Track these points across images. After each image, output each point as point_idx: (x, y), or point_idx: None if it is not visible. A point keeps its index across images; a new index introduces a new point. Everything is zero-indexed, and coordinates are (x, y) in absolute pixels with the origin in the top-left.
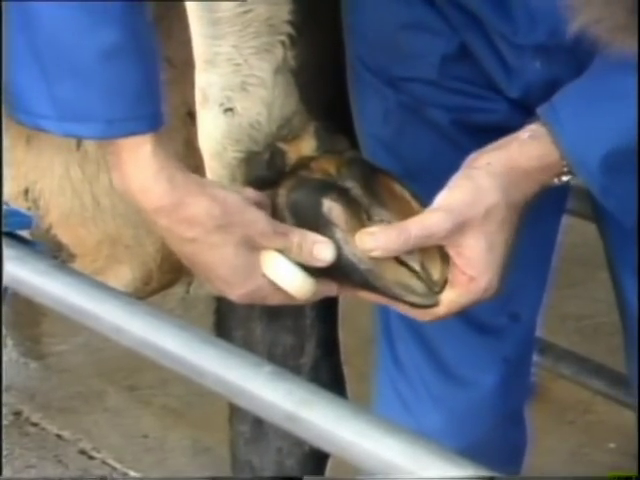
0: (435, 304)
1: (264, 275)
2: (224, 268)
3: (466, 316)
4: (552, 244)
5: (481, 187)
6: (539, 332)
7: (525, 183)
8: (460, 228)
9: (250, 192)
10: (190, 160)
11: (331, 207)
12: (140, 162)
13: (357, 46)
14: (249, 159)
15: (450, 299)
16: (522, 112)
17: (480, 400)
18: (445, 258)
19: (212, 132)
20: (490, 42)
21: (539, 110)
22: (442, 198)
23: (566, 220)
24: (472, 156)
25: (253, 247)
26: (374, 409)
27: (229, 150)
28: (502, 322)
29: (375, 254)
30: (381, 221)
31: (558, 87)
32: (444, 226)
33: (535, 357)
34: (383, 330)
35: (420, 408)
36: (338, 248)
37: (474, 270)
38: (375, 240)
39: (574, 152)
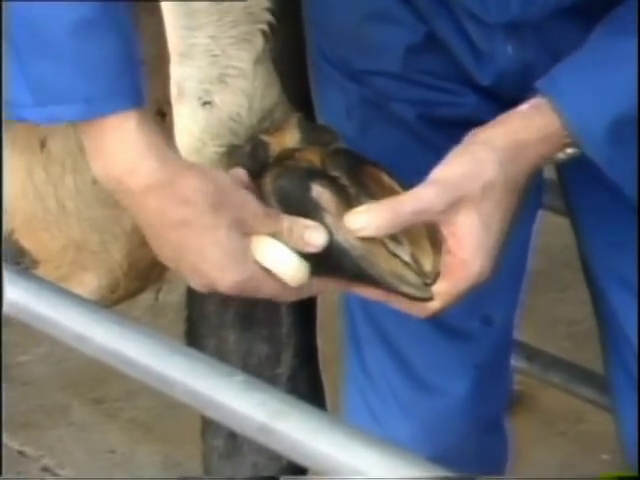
0: (430, 297)
1: (256, 262)
2: (216, 252)
3: (436, 320)
4: (527, 242)
5: (480, 160)
6: (527, 337)
7: (526, 157)
8: (456, 204)
9: (240, 173)
10: None
11: (320, 192)
12: (125, 140)
13: (318, 38)
14: (230, 153)
15: (444, 290)
16: (492, 104)
17: (451, 408)
18: (436, 248)
19: (190, 127)
20: (459, 26)
21: (538, 84)
22: (438, 171)
23: (555, 220)
24: (474, 131)
25: (244, 231)
26: (344, 419)
27: (209, 145)
28: (474, 326)
29: (366, 233)
30: None
31: (531, 76)
32: (440, 200)
33: (523, 364)
34: (350, 336)
35: (388, 417)
36: (329, 234)
37: (467, 252)
38: (366, 217)
39: (577, 121)
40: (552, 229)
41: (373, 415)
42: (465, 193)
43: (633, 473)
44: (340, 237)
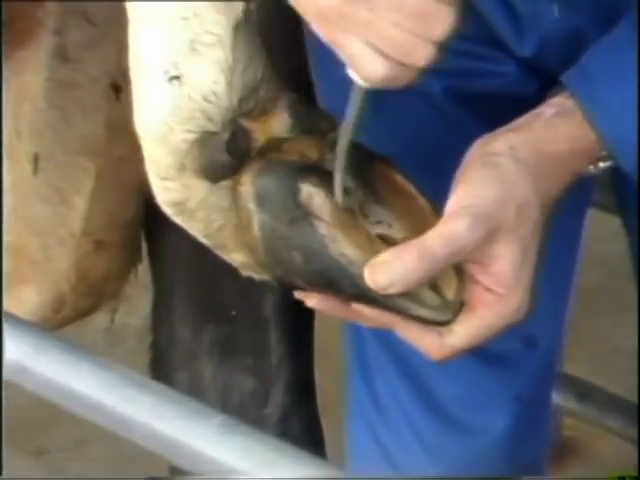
0: (449, 320)
1: None
2: None
3: None
4: (574, 250)
5: (509, 178)
6: (578, 371)
7: (555, 172)
8: (491, 235)
9: None
10: (115, 148)
11: (312, 193)
12: None
13: None
14: (203, 142)
15: (470, 327)
16: (534, 77)
17: (486, 449)
18: (460, 272)
19: (153, 109)
20: None
21: (564, 78)
22: (461, 196)
23: (615, 223)
24: (484, 140)
25: None
26: (348, 462)
27: (176, 131)
28: (515, 349)
29: (394, 290)
30: (379, 223)
31: (580, 44)
32: (474, 236)
33: (574, 404)
34: (357, 363)
35: (408, 460)
36: (322, 248)
37: (504, 286)
38: (391, 272)
39: (613, 131)
40: (610, 234)
41: (388, 458)
42: (500, 221)
43: (633, 473)
44: (335, 251)
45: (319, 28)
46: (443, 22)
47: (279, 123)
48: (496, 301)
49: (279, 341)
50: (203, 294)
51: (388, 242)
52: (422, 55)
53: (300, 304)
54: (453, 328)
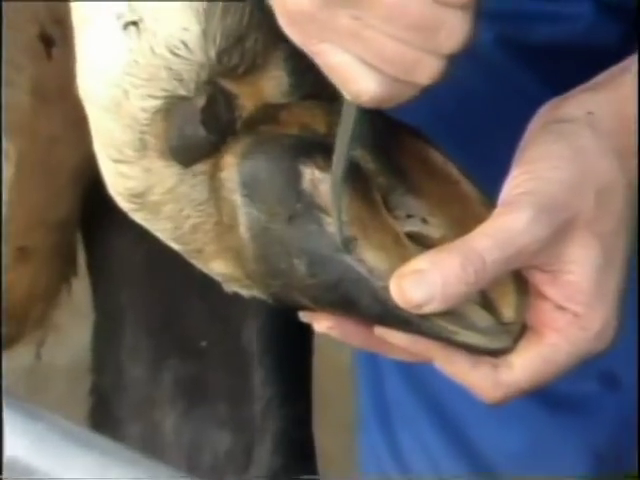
0: (508, 347)
1: None
2: None
3: None
4: None
5: (586, 154)
6: None
7: None
8: (562, 234)
9: None
10: (43, 123)
11: (318, 180)
12: None
13: None
14: (169, 111)
15: (535, 357)
16: (615, 21)
17: None
18: (520, 284)
19: (102, 67)
20: None
21: None
22: (521, 179)
23: None
24: (552, 104)
25: None
26: None
27: (134, 97)
28: (590, 389)
29: (431, 309)
30: (410, 217)
31: None
32: (539, 234)
33: None
34: (373, 403)
35: None
36: (333, 253)
37: (581, 302)
38: (427, 284)
39: None
40: None
41: None
42: (574, 214)
43: (634, 473)
44: (351, 257)
45: (291, 34)
46: (456, 32)
47: (273, 84)
48: (570, 323)
49: (264, 382)
50: (163, 320)
51: (422, 244)
52: (427, 71)
53: (293, 332)
54: (512, 360)
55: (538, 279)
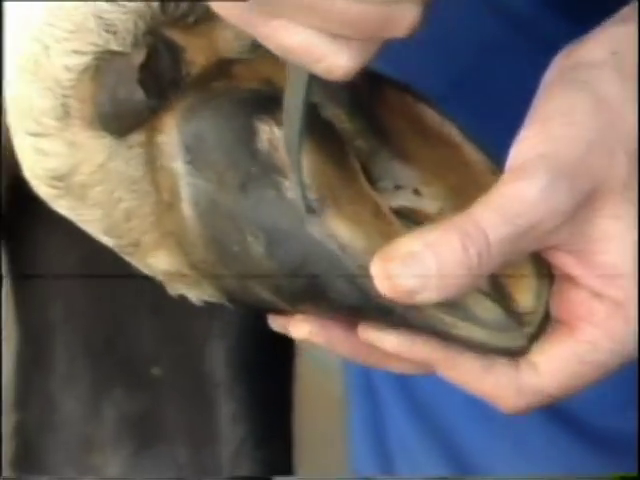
0: (522, 348)
1: None
2: None
3: (551, 411)
4: None
5: (614, 105)
6: None
7: None
8: (589, 203)
9: None
10: None
11: (275, 139)
12: None
13: None
14: (99, 70)
15: (566, 355)
16: None
17: None
18: (540, 265)
19: (19, 16)
20: None
21: None
22: (536, 138)
23: None
24: (571, 46)
25: None
26: None
27: (55, 52)
28: (622, 422)
29: (423, 298)
30: (399, 189)
31: None
32: (559, 205)
33: None
34: (366, 436)
35: None
36: (297, 226)
37: (621, 287)
38: (419, 266)
39: None
40: None
41: None
42: (604, 179)
43: (634, 474)
44: (320, 231)
45: (229, 16)
46: None
47: (230, 36)
48: (611, 314)
49: (234, 419)
50: (104, 340)
51: (416, 220)
52: (403, 24)
53: (270, 355)
54: (537, 361)
55: (564, 262)
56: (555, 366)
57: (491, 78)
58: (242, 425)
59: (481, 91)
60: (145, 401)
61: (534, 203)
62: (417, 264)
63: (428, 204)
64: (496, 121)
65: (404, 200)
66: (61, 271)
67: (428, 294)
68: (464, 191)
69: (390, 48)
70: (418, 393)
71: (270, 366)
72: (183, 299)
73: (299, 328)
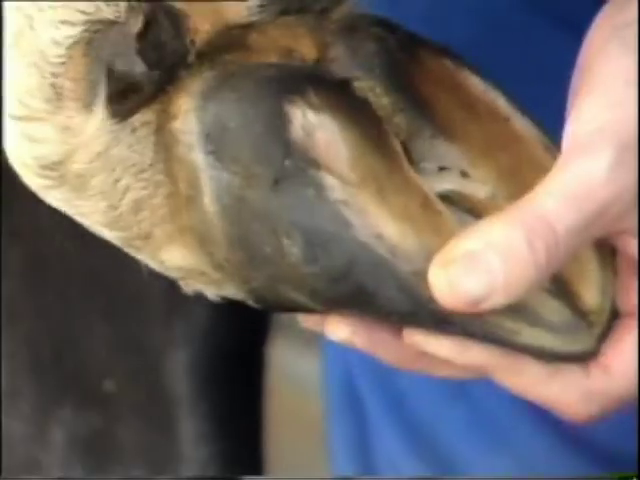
0: (593, 351)
1: None
2: None
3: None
4: None
5: None
6: None
7: None
8: None
9: None
10: None
11: (312, 125)
12: None
13: None
14: (92, 43)
15: (633, 353)
16: None
17: None
18: (605, 256)
19: None
20: None
21: None
22: (590, 111)
23: None
24: (613, 6)
25: None
26: None
27: (40, 24)
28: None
29: (490, 305)
30: (442, 170)
31: None
32: (627, 184)
33: None
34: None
35: None
36: (339, 227)
37: None
38: (482, 272)
39: None
40: None
41: None
42: None
43: (634, 474)
44: (365, 231)
45: None
46: None
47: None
48: None
49: (197, 439)
50: (51, 352)
51: (463, 207)
52: None
53: (237, 367)
54: (608, 362)
55: (632, 246)
56: (628, 366)
57: (496, 54)
58: (206, 445)
59: (485, 68)
60: (97, 419)
61: (603, 184)
62: (481, 267)
63: (477, 188)
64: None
65: (450, 183)
66: (6, 271)
67: (494, 300)
68: (517, 172)
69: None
70: (407, 406)
71: (237, 379)
72: (138, 304)
73: (338, 329)
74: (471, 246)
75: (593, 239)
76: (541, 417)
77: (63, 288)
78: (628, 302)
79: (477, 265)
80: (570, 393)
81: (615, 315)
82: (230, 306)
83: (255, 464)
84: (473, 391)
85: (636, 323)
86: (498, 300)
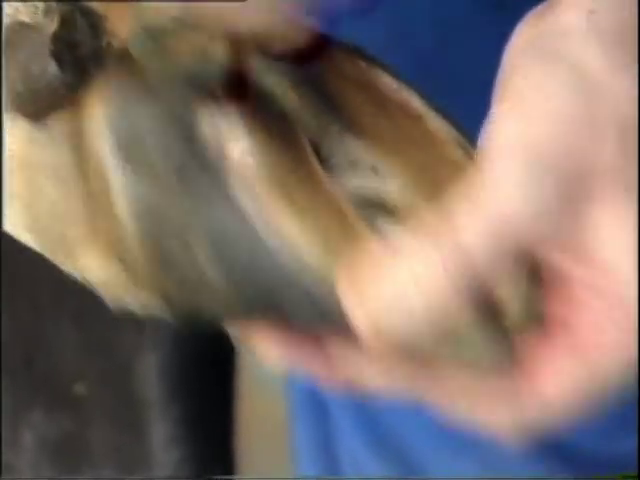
0: (516, 360)
1: None
2: None
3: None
4: None
5: (595, 76)
6: None
7: None
8: (578, 192)
9: None
10: None
11: (220, 130)
12: None
13: None
14: (10, 43)
15: (564, 364)
16: None
17: None
18: (526, 273)
19: None
20: None
21: None
22: (504, 119)
23: None
24: (539, 10)
25: None
26: None
27: None
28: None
29: (409, 326)
30: (352, 165)
31: None
32: (547, 197)
33: None
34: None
35: None
36: (248, 233)
37: (616, 281)
38: (394, 288)
39: None
40: None
41: None
42: (590, 162)
43: (633, 474)
44: (274, 239)
45: None
46: None
47: (156, 4)
48: (612, 311)
49: (168, 441)
50: (21, 356)
51: (374, 204)
52: None
53: (208, 369)
54: (535, 371)
55: (556, 260)
56: (558, 378)
57: (456, 56)
58: (178, 448)
59: (445, 71)
60: (67, 422)
61: (518, 198)
62: (403, 307)
63: (388, 183)
64: (463, 103)
65: (361, 179)
66: None
67: (415, 338)
68: (429, 168)
69: (347, 29)
70: (371, 407)
71: (208, 382)
72: (108, 308)
73: (268, 350)
74: (392, 278)
75: (514, 254)
76: None
77: (33, 292)
78: (555, 312)
79: (400, 305)
80: (497, 405)
81: (540, 326)
82: None
83: (226, 466)
84: None
85: (566, 333)
86: (419, 337)
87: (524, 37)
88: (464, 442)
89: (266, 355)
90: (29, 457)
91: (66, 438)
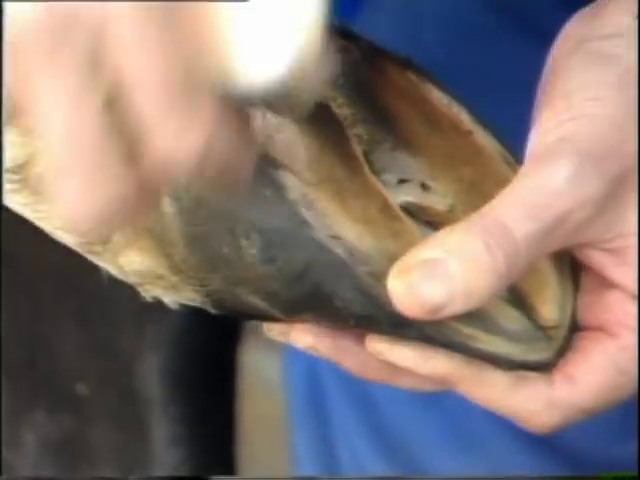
0: (550, 362)
1: None
2: None
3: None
4: None
5: (629, 83)
6: None
7: None
8: (619, 192)
9: None
10: None
11: (270, 125)
12: None
13: None
14: None
15: (608, 364)
16: None
17: None
18: (564, 268)
19: None
20: None
21: None
22: (553, 122)
23: None
24: (586, 13)
25: None
26: None
27: None
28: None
29: (451, 312)
30: (403, 182)
31: None
32: (587, 194)
33: None
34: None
35: None
36: (295, 226)
37: None
38: (443, 280)
39: None
40: None
41: None
42: (631, 161)
43: (633, 473)
44: (322, 232)
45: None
46: None
47: None
48: None
49: (169, 442)
50: (23, 355)
51: (423, 219)
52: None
53: (210, 370)
54: (573, 372)
55: (597, 260)
56: (593, 377)
57: (459, 57)
58: (178, 448)
59: (449, 71)
60: (69, 422)
61: (561, 193)
62: (440, 274)
63: (437, 200)
64: (465, 103)
65: (410, 195)
66: None
67: (453, 308)
68: (478, 185)
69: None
70: (374, 406)
71: (209, 382)
72: (109, 307)
73: (303, 336)
74: (431, 253)
75: (553, 249)
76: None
77: (34, 292)
78: (593, 317)
79: (437, 272)
80: (533, 403)
81: (575, 329)
82: (201, 310)
83: (227, 466)
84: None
85: (604, 336)
86: (457, 307)
87: (571, 40)
88: (465, 441)
89: (303, 345)
90: (30, 457)
91: (68, 438)
